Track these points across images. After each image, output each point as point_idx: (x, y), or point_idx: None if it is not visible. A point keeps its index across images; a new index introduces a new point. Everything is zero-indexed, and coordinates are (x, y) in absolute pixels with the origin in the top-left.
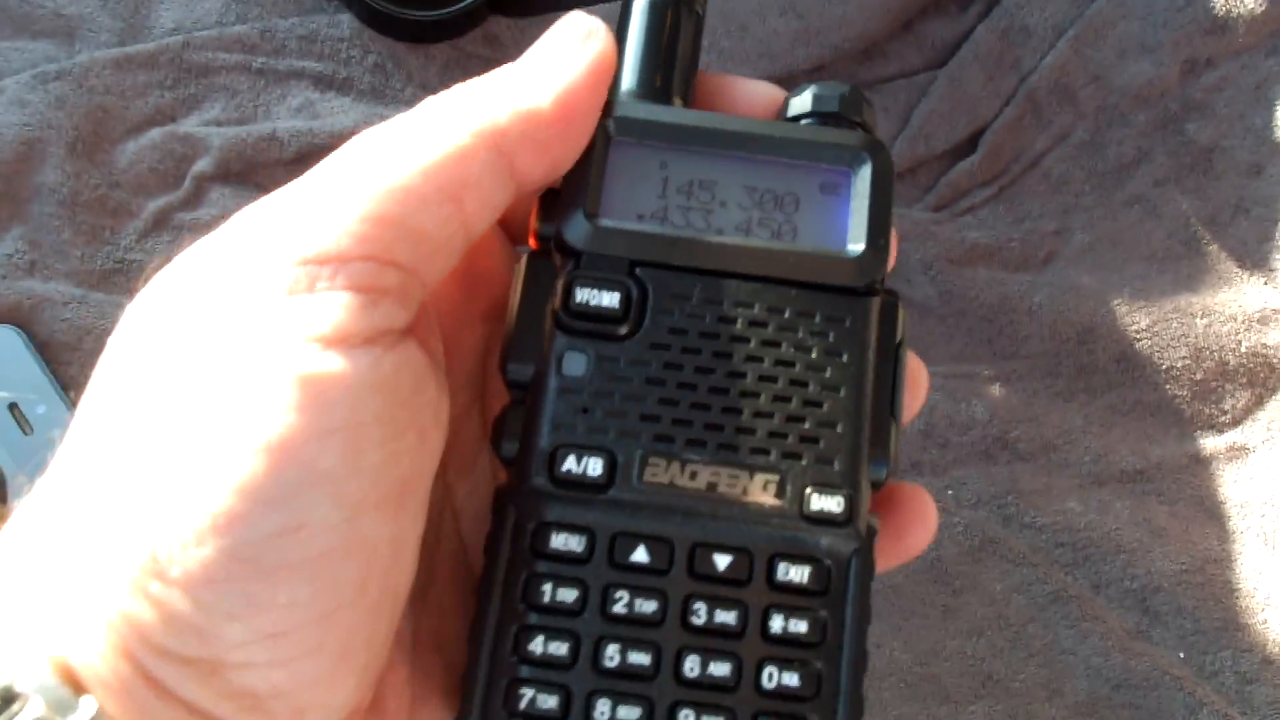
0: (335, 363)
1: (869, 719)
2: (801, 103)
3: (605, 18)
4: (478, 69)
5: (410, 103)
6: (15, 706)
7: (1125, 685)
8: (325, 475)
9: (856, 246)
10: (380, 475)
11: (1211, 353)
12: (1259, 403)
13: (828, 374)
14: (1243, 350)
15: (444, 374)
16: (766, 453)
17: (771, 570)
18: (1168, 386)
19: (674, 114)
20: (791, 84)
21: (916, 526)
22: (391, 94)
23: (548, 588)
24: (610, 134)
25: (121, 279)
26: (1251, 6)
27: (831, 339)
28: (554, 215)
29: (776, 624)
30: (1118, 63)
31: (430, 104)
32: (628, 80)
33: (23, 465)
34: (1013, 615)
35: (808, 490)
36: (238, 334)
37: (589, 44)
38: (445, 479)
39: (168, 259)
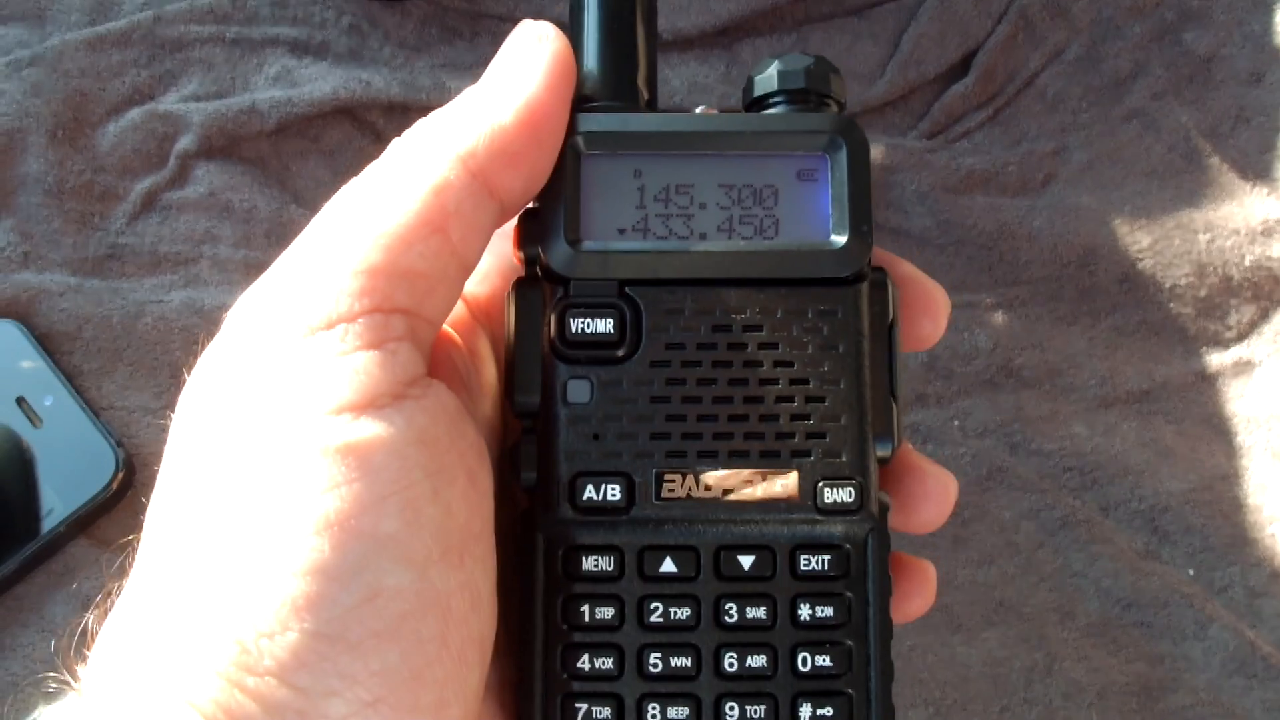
0: (373, 428)
1: None
2: (767, 81)
3: (559, 21)
4: (456, 22)
5: (389, 63)
6: None
7: (1136, 605)
8: (388, 540)
9: (840, 237)
10: (440, 527)
11: (1215, 268)
12: (1264, 316)
13: (826, 368)
14: (1246, 264)
15: (478, 412)
16: (776, 454)
17: (794, 563)
18: (1171, 305)
19: (640, 120)
20: (776, 15)
21: (929, 504)
22: (369, 55)
23: (586, 608)
24: (580, 150)
25: (115, 264)
26: None
27: (826, 333)
28: (535, 238)
29: (804, 612)
30: None
31: (398, 143)
32: (589, 82)
33: (34, 458)
34: (1022, 542)
35: (820, 484)
36: (275, 422)
37: (542, 49)
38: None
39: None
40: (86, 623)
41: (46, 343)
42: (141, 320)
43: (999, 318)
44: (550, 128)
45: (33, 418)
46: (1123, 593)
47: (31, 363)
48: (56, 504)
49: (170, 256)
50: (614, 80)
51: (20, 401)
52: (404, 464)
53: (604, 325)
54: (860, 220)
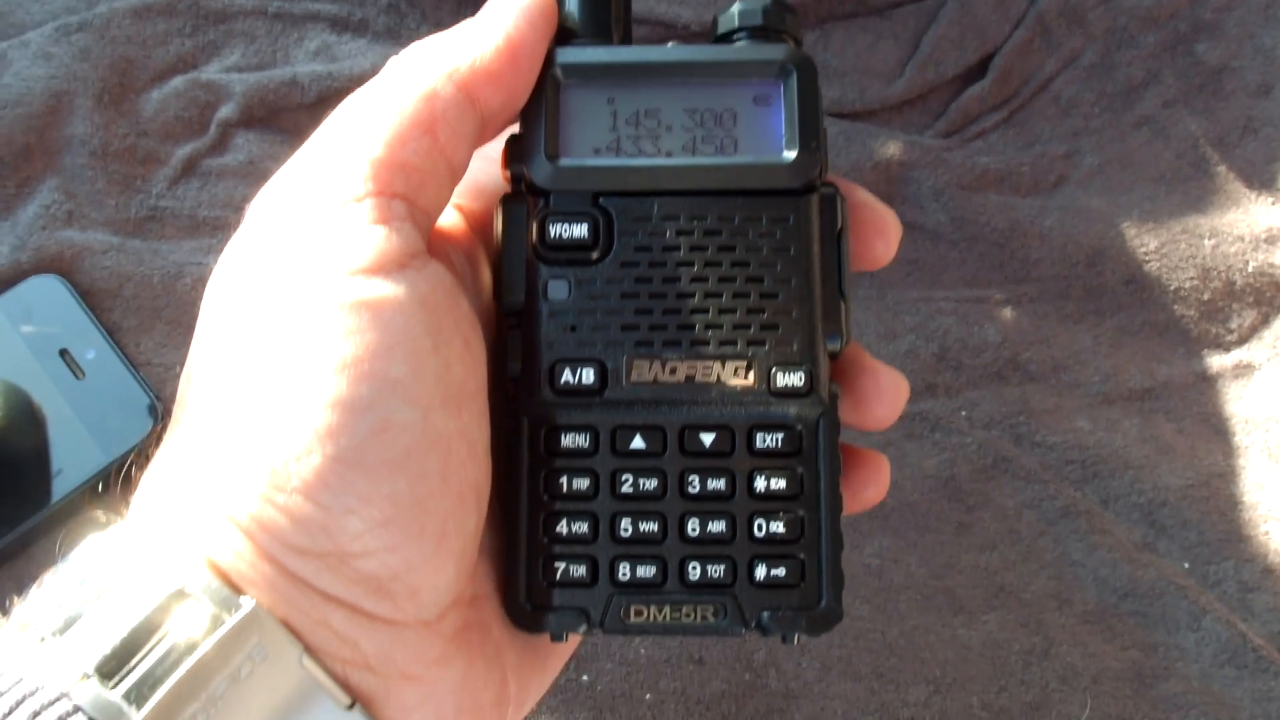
0: (385, 288)
1: (886, 629)
2: (728, 20)
3: None
4: None
5: None
6: (187, 605)
7: (1132, 594)
8: (397, 382)
9: (790, 152)
10: (440, 378)
11: (1219, 273)
12: (1265, 321)
13: (779, 268)
14: (1250, 270)
15: (473, 293)
16: (734, 343)
17: (751, 440)
18: (1175, 307)
19: (613, 53)
20: (800, 11)
21: (881, 401)
22: (407, 34)
23: (564, 479)
24: (559, 79)
25: (156, 226)
26: None
27: (778, 237)
28: (519, 157)
29: (760, 483)
30: None
31: (395, 60)
32: (569, 21)
33: (78, 409)
34: (1024, 530)
35: (773, 370)
36: (300, 281)
37: None
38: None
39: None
40: (129, 469)
41: (89, 299)
42: (180, 281)
43: (1008, 313)
44: (527, 55)
45: (75, 369)
46: (1119, 582)
47: (74, 317)
48: (97, 453)
49: (209, 221)
50: (591, 20)
51: (64, 354)
52: (409, 320)
53: (579, 230)
54: (809, 138)
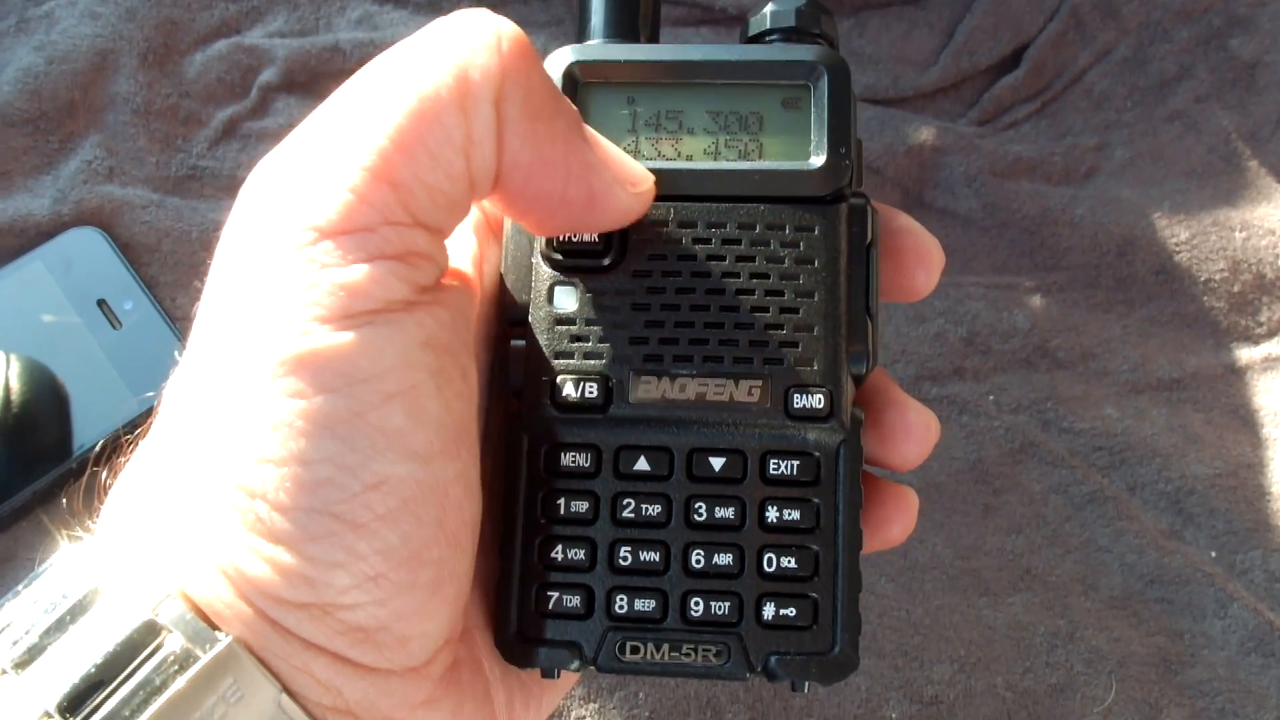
0: (383, 333)
1: (911, 608)
2: (760, 21)
3: None
4: None
5: None
6: (159, 640)
7: (1159, 581)
8: (395, 434)
9: (818, 158)
10: (441, 422)
11: (1249, 265)
12: None
13: (801, 281)
14: None
15: (475, 303)
16: (749, 360)
17: (764, 467)
18: (1205, 298)
19: (635, 50)
20: (836, 8)
21: (910, 439)
22: (449, 6)
23: (563, 501)
24: (578, 78)
25: (195, 185)
26: None
27: (802, 248)
28: None
29: (772, 514)
30: None
31: (435, 30)
32: (595, 20)
33: (114, 358)
34: (1051, 514)
35: (790, 390)
36: (289, 324)
37: (639, 191)
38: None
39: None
40: (99, 477)
41: (127, 252)
42: (218, 239)
43: (1037, 301)
44: (590, 183)
45: (112, 320)
46: (1146, 569)
47: (113, 269)
48: (133, 405)
49: None
50: (617, 19)
51: (101, 304)
52: (411, 366)
53: (589, 234)
54: (839, 143)
